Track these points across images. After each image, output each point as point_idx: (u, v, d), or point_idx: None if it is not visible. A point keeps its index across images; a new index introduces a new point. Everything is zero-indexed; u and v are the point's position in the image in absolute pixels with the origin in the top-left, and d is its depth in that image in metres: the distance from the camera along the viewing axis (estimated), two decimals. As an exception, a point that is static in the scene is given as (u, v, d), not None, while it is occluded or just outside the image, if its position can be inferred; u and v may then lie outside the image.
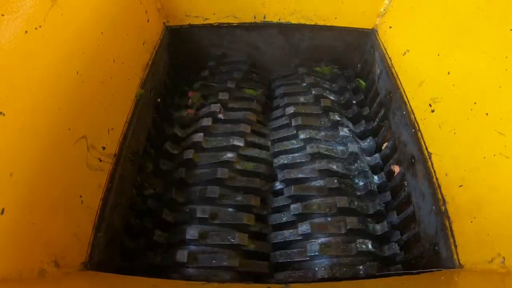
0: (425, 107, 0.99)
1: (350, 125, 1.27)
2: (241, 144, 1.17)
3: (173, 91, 1.41)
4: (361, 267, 0.93)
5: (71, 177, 0.77)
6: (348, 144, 1.18)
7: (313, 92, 1.34)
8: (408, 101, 1.08)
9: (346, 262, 0.97)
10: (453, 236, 0.81)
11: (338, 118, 1.25)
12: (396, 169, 1.12)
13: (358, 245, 0.97)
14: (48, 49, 0.74)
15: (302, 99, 1.34)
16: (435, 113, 0.96)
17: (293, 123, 1.25)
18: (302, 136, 1.21)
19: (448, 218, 0.84)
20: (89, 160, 0.84)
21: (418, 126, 1.01)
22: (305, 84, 1.39)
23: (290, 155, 1.19)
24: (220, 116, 1.25)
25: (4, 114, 0.61)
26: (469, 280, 0.75)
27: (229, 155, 1.14)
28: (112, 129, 0.96)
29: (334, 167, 1.12)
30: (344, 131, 1.22)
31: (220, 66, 1.49)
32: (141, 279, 0.81)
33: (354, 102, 1.34)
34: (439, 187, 0.89)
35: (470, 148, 0.82)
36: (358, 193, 1.09)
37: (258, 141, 1.24)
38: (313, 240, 1.00)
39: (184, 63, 1.51)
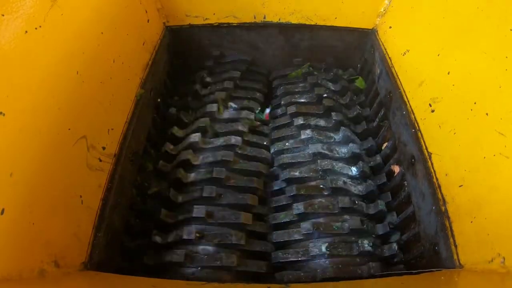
0: (425, 107, 0.99)
1: (321, 121, 1.27)
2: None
3: (173, 91, 1.42)
4: (318, 271, 0.94)
5: (71, 177, 0.77)
6: (309, 145, 1.19)
7: (282, 102, 1.38)
8: (408, 101, 1.08)
9: (304, 266, 0.99)
10: (453, 236, 0.81)
11: (302, 122, 1.27)
12: (396, 169, 1.12)
13: (310, 248, 0.98)
14: (48, 49, 0.74)
15: (279, 111, 1.39)
16: (435, 113, 0.96)
17: (270, 138, 1.32)
18: (272, 150, 1.25)
19: (448, 218, 0.84)
20: (89, 160, 0.84)
21: (418, 126, 1.01)
22: (278, 97, 1.43)
23: (271, 169, 1.23)
24: None
25: (4, 114, 0.61)
26: (469, 280, 0.75)
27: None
28: (112, 129, 0.96)
29: (297, 173, 1.13)
30: (305, 134, 1.23)
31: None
32: (141, 279, 0.81)
33: (325, 96, 1.34)
34: (439, 187, 0.89)
35: (470, 148, 0.82)
36: (325, 193, 1.09)
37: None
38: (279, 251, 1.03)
39: (184, 63, 1.51)
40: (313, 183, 1.12)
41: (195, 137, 1.17)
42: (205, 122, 1.23)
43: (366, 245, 0.97)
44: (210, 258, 0.94)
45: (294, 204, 1.06)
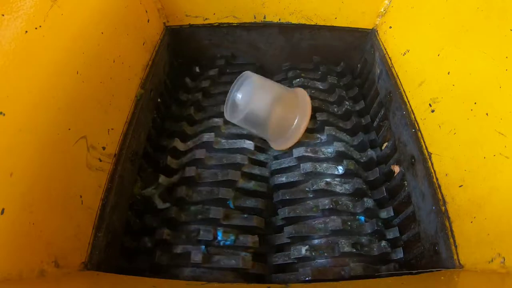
0: (425, 107, 0.99)
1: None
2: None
3: (173, 91, 1.42)
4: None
5: (71, 177, 0.77)
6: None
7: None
8: (408, 101, 1.08)
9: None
10: (453, 236, 0.81)
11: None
12: (396, 169, 1.12)
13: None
14: (48, 49, 0.74)
15: None
16: (435, 113, 0.96)
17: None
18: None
19: (448, 218, 0.84)
20: (89, 160, 0.84)
21: (418, 126, 1.01)
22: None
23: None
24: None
25: (4, 114, 0.61)
26: (469, 280, 0.75)
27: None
28: (112, 129, 0.96)
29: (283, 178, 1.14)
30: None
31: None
32: (141, 279, 0.81)
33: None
34: (439, 187, 0.89)
35: (470, 148, 0.82)
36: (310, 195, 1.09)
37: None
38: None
39: (184, 63, 1.51)
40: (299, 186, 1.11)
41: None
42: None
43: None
44: None
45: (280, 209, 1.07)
